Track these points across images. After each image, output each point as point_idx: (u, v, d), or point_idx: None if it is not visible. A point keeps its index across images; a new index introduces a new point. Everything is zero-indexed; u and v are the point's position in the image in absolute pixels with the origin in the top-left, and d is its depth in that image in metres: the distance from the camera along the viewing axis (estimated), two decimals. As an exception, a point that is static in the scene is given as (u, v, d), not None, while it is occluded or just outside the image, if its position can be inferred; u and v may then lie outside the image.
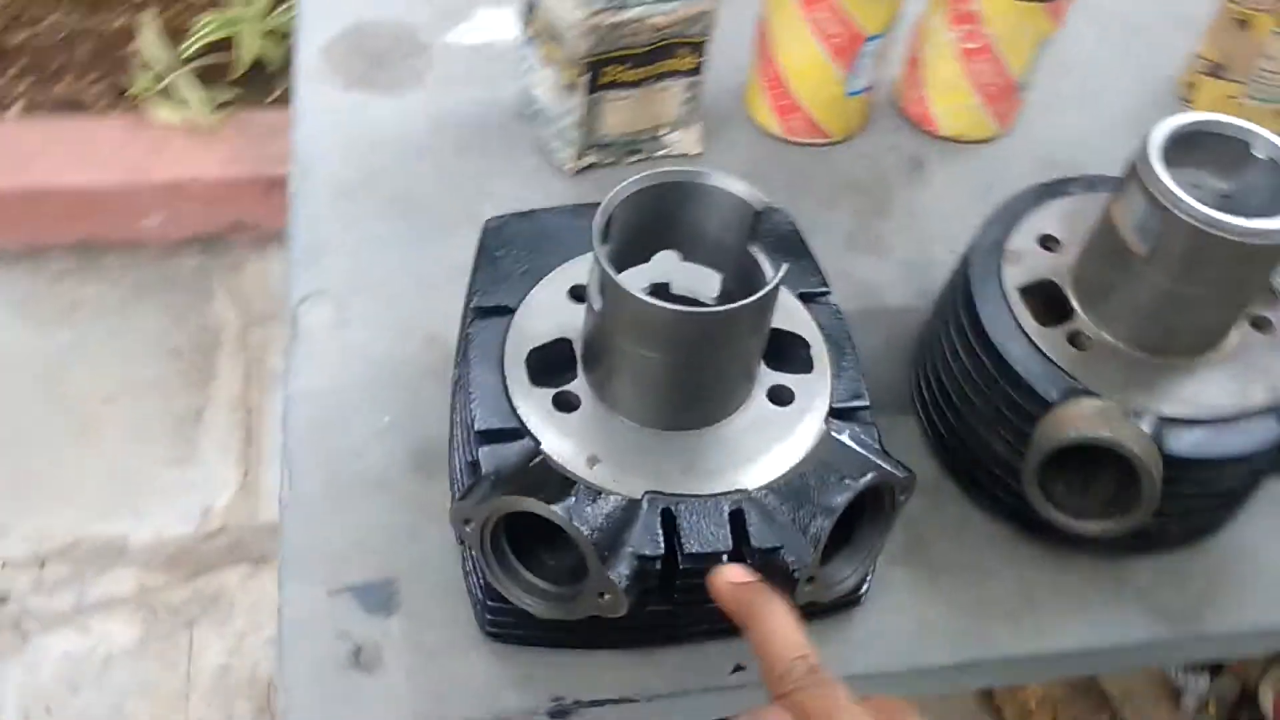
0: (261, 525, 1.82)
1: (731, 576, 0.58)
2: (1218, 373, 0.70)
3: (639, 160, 0.96)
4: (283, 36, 2.41)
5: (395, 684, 0.67)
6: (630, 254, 0.66)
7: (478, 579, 0.67)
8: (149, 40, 2.30)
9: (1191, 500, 0.70)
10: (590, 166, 0.95)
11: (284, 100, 2.36)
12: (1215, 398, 0.69)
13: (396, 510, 0.73)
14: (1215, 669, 1.55)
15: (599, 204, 0.74)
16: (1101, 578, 0.75)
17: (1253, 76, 1.02)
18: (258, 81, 2.41)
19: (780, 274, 0.59)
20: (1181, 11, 1.15)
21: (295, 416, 0.77)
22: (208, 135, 2.23)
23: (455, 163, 0.94)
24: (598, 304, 0.62)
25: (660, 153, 0.97)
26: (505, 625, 0.67)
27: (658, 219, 0.65)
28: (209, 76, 2.34)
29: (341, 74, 1.01)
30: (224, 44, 2.34)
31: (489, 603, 0.66)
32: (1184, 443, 0.67)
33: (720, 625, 0.68)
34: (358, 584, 0.70)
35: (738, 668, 0.69)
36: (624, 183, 0.62)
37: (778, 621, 0.54)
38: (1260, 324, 0.72)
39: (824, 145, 1.00)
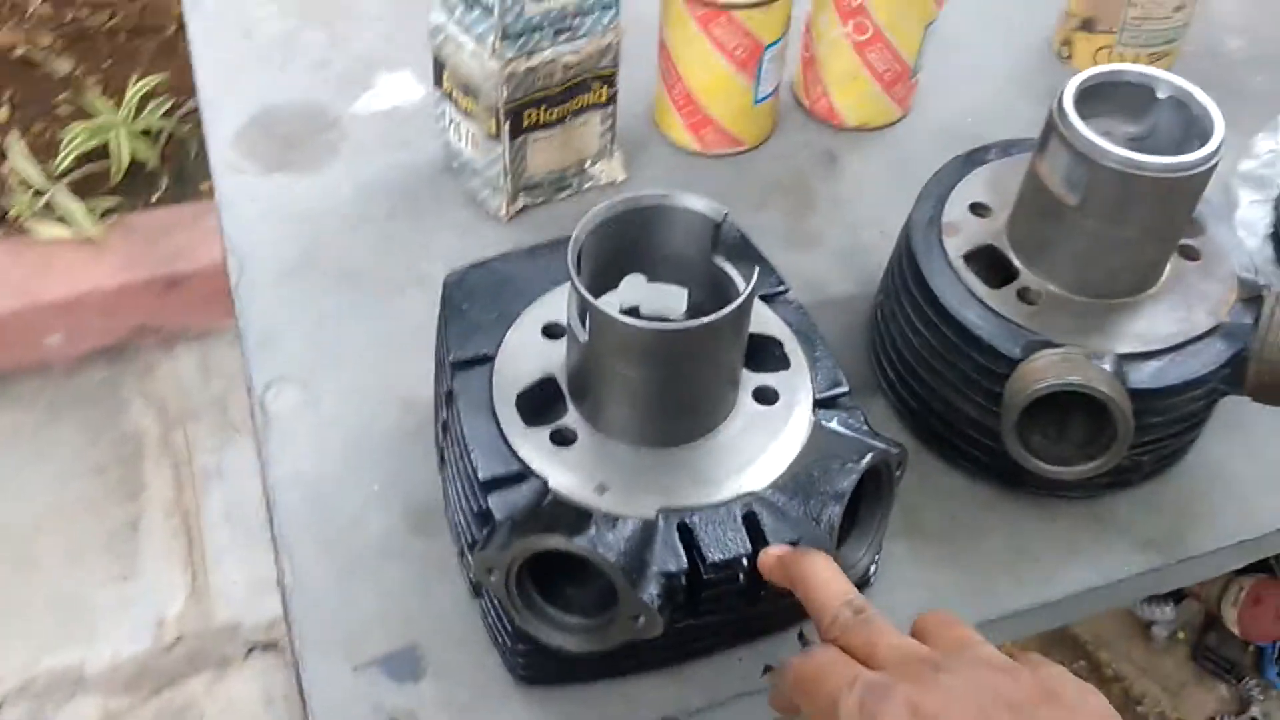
0: (219, 628, 1.79)
1: (775, 552, 0.60)
2: (1161, 305, 0.74)
3: (568, 195, 0.98)
4: (156, 136, 2.39)
5: (439, 745, 0.67)
6: (599, 282, 0.68)
7: (504, 626, 0.68)
8: (19, 161, 2.26)
9: (1158, 429, 0.74)
10: (523, 209, 0.96)
11: (168, 198, 2.34)
12: (1164, 328, 0.73)
13: (404, 575, 0.74)
14: (1178, 597, 1.61)
15: (551, 244, 0.77)
16: (1086, 519, 0.78)
17: (1123, 26, 1.07)
18: (138, 183, 2.38)
19: (755, 278, 0.62)
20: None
21: (283, 503, 0.77)
22: (97, 246, 2.19)
23: (390, 227, 0.95)
24: (583, 335, 0.63)
25: (588, 185, 0.99)
26: (537, 667, 0.68)
27: (622, 245, 0.67)
28: (88, 186, 2.31)
29: (258, 160, 1.02)
30: (97, 152, 2.31)
31: (519, 647, 0.67)
32: (1144, 375, 0.71)
33: (744, 629, 0.70)
34: (381, 655, 0.70)
35: (767, 668, 0.71)
36: (588, 215, 0.64)
37: (820, 575, 0.56)
38: (1188, 253, 0.77)
39: (740, 153, 1.03)
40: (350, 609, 0.72)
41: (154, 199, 2.38)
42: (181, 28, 2.54)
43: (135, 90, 2.37)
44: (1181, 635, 1.62)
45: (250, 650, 1.78)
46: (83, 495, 1.94)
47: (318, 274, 0.92)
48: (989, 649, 0.52)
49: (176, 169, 2.43)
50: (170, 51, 2.62)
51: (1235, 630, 1.59)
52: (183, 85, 2.50)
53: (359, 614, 0.72)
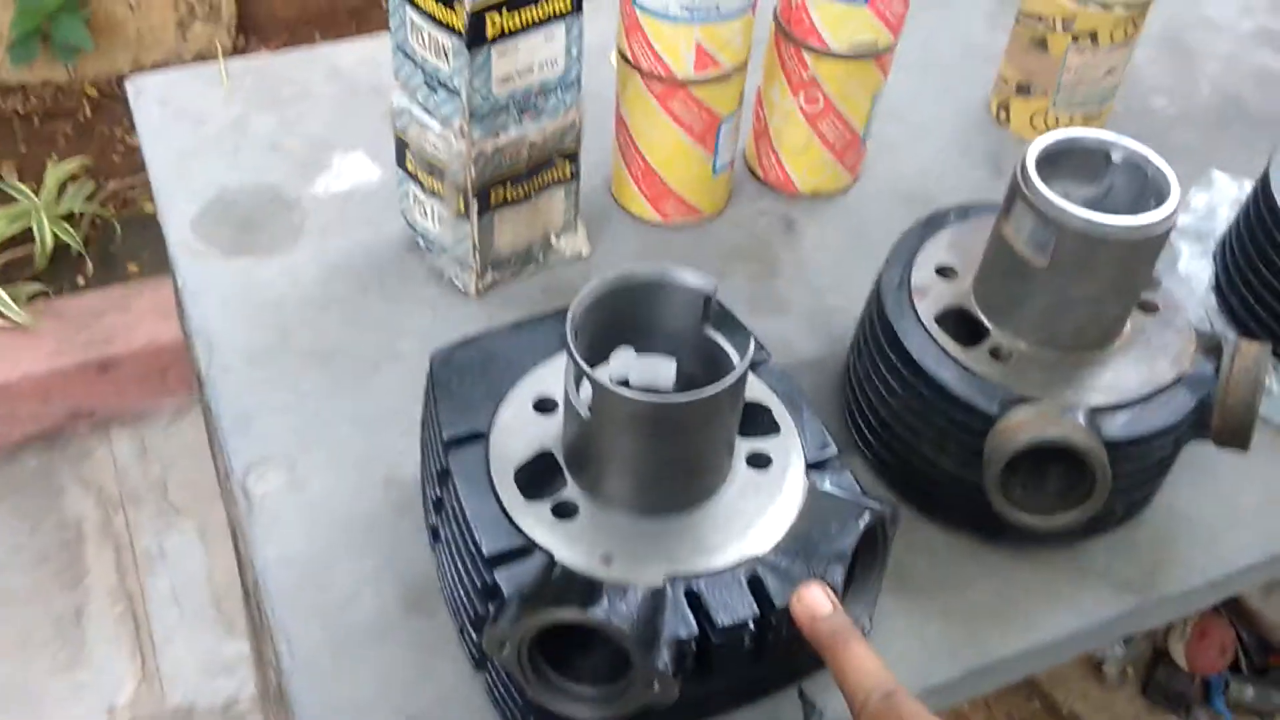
0: (173, 711, 1.75)
1: (814, 610, 0.61)
2: (1126, 358, 0.77)
3: (536, 270, 1.00)
4: (79, 219, 2.37)
5: (452, 823, 0.67)
6: (590, 355, 0.70)
7: (513, 699, 0.68)
8: (-61, 248, 2.22)
9: (1130, 477, 0.77)
10: (492, 284, 0.98)
11: (95, 282, 2.32)
12: (1131, 381, 0.76)
13: (403, 652, 0.74)
14: (1127, 635, 1.65)
15: (535, 319, 0.78)
16: (1064, 566, 0.81)
17: (1058, 89, 1.12)
18: (64, 267, 2.36)
19: (752, 348, 0.64)
20: (977, 44, 1.26)
21: (274, 586, 0.77)
22: (26, 332, 2.16)
23: (361, 306, 0.96)
24: (583, 410, 0.65)
25: (554, 259, 1.00)
26: (548, 738, 0.68)
27: (612, 319, 0.69)
28: (11, 272, 2.28)
29: (217, 245, 1.02)
30: (18, 238, 2.28)
31: (531, 718, 0.67)
32: (1116, 426, 0.74)
33: (747, 689, 0.71)
34: (386, 733, 0.70)
35: None
36: (584, 290, 0.65)
37: (855, 656, 0.58)
38: (1147, 306, 0.80)
39: (699, 222, 1.05)
40: (351, 689, 0.72)
41: (80, 282, 2.35)
42: (96, 108, 2.54)
43: (54, 174, 2.36)
44: (1130, 671, 1.66)
45: (207, 733, 1.75)
46: (24, 585, 1.90)
47: (290, 355, 0.92)
48: None
49: (101, 251, 2.41)
50: (87, 133, 2.61)
51: (1183, 664, 1.63)
52: (103, 167, 2.49)
53: (360, 693, 0.72)
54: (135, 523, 2.00)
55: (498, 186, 0.92)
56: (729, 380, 0.62)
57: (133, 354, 2.19)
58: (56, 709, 1.75)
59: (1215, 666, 1.63)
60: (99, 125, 2.64)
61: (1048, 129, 1.12)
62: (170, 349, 2.15)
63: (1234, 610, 1.68)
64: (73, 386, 2.16)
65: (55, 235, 2.27)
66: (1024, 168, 0.74)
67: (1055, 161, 0.77)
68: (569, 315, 0.64)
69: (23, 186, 2.33)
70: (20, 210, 2.30)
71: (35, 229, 2.27)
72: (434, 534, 0.77)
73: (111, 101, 2.66)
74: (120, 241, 2.39)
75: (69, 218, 2.34)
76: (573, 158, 0.96)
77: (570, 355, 0.63)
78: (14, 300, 2.17)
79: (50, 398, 2.15)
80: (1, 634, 1.84)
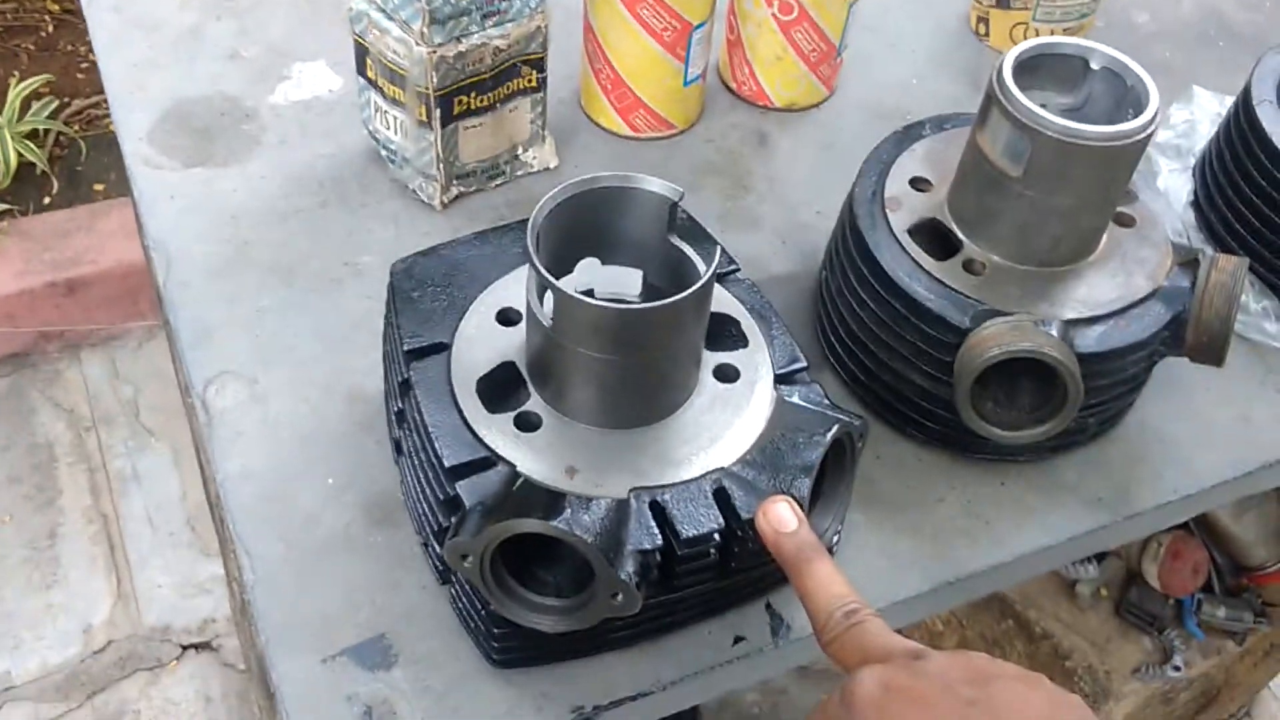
0: (149, 630, 1.75)
1: (780, 524, 0.59)
2: (1101, 271, 0.76)
3: (502, 182, 0.97)
4: (45, 135, 2.32)
5: (415, 734, 0.67)
6: (554, 266, 0.68)
7: (476, 611, 0.68)
8: (-97, 166, 2.18)
9: (1103, 391, 0.76)
10: (457, 197, 0.96)
11: (63, 200, 2.28)
12: (1106, 294, 0.75)
13: (367, 566, 0.73)
14: (1100, 555, 1.66)
15: (499, 229, 0.77)
16: (1035, 481, 0.81)
17: (1038, 2, 1.10)
18: (27, 186, 2.31)
19: (719, 255, 0.62)
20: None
21: (236, 500, 0.76)
22: (-9, 251, 2.13)
23: (322, 219, 0.94)
24: (545, 319, 0.63)
25: (521, 172, 0.98)
26: (513, 650, 0.68)
27: (577, 228, 0.67)
28: (-26, 193, 2.24)
29: (176, 156, 0.99)
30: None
31: (494, 630, 0.67)
32: (1090, 339, 0.73)
33: (714, 603, 0.71)
34: (351, 645, 0.70)
35: (737, 639, 0.72)
36: (546, 197, 0.63)
37: (818, 574, 0.57)
38: (1123, 220, 0.79)
39: (671, 136, 1.03)
40: (315, 602, 0.71)
41: (46, 201, 2.31)
42: (59, 25, 2.47)
43: (17, 92, 2.30)
44: (1104, 592, 1.67)
45: (183, 651, 1.75)
46: (-3, 506, 1.89)
47: (250, 268, 0.90)
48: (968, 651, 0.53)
49: (67, 170, 2.37)
50: (50, 50, 2.55)
51: (1156, 585, 1.64)
52: (67, 85, 2.44)
53: (324, 607, 0.71)
54: (107, 444, 1.98)
55: (461, 95, 0.90)
56: (694, 288, 0.61)
57: (100, 275, 2.16)
58: (31, 628, 1.75)
59: (1188, 587, 1.64)
60: (62, 41, 2.58)
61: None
62: (138, 270, 2.12)
63: (1207, 531, 1.69)
64: (41, 307, 2.13)
65: (19, 153, 2.22)
66: (1000, 75, 0.72)
67: (1032, 69, 0.75)
68: (530, 223, 0.62)
69: (-15, 104, 2.28)
70: (-20, 129, 2.25)
71: (-1, 147, 2.23)
72: (397, 447, 0.75)
73: (74, 18, 2.59)
74: (85, 160, 2.35)
75: (33, 135, 2.29)
76: (539, 65, 0.93)
77: (532, 264, 0.62)
78: (-22, 220, 2.13)
79: (16, 319, 2.12)
80: (-27, 555, 1.83)
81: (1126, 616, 1.66)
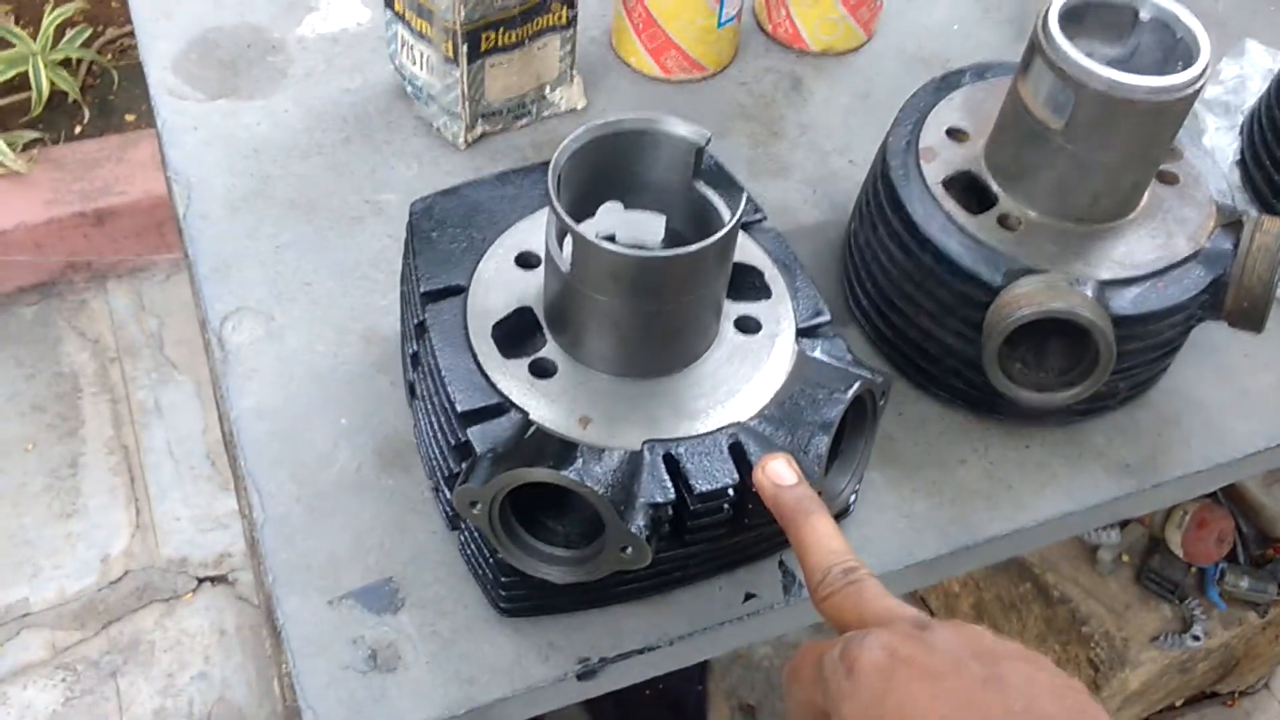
0: (166, 562, 1.76)
1: (777, 479, 0.58)
2: (1141, 231, 0.74)
3: (528, 123, 0.95)
4: (76, 65, 2.31)
5: (419, 678, 0.66)
6: (575, 210, 0.66)
7: (485, 559, 0.66)
8: (-68, 90, 2.17)
9: (1137, 355, 0.74)
10: (482, 136, 0.94)
11: (92, 130, 2.27)
12: (1144, 254, 0.72)
13: (377, 509, 0.72)
14: (1123, 521, 1.64)
15: (522, 170, 0.75)
16: (1061, 445, 0.79)
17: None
18: (60, 115, 2.30)
19: (744, 203, 0.60)
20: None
21: (249, 437, 0.75)
22: (21, 180, 2.12)
23: (344, 155, 0.92)
24: (564, 265, 0.61)
25: (547, 112, 0.96)
26: (520, 599, 0.67)
27: (600, 171, 0.65)
28: (6, 119, 2.22)
29: (200, 86, 0.97)
30: (14, 83, 2.22)
31: (502, 579, 0.66)
32: (1125, 301, 0.71)
33: (726, 558, 0.70)
34: (358, 588, 0.69)
35: (748, 596, 0.70)
36: (569, 138, 0.62)
37: (816, 529, 0.55)
38: (1166, 178, 0.76)
39: (702, 79, 1.01)
40: (323, 543, 0.71)
41: (77, 131, 2.30)
42: (97, -49, 2.43)
43: (51, 19, 2.28)
44: (1126, 558, 1.65)
45: (199, 584, 1.76)
46: (20, 434, 1.90)
47: (270, 203, 0.89)
48: (969, 625, 0.52)
49: (99, 100, 2.35)
50: (87, -23, 2.53)
51: (1179, 553, 1.62)
52: (101, 13, 2.42)
53: (332, 548, 0.71)
54: (131, 376, 1.99)
55: (489, 30, 0.88)
56: (717, 236, 0.59)
57: (129, 206, 2.15)
58: (50, 555, 1.76)
59: (1212, 556, 1.62)
60: (99, -32, 2.56)
61: (1074, -10, 1.07)
62: (166, 202, 2.10)
63: (1234, 500, 1.66)
64: (69, 237, 2.13)
65: (51, 82, 2.21)
66: (1045, 22, 0.69)
67: (1079, 18, 0.72)
68: (552, 165, 0.61)
69: (19, 30, 2.26)
70: (16, 55, 2.23)
71: (31, 74, 2.21)
72: (411, 390, 0.74)
73: (110, -56, 2.57)
74: (117, 90, 2.34)
75: (65, 64, 2.27)
76: (569, 2, 0.91)
77: (552, 207, 0.60)
78: (9, 147, 2.12)
79: (45, 247, 2.12)
80: (-2, 483, 1.84)
81: (1147, 584, 1.64)
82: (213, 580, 1.76)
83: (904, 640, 0.48)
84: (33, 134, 2.21)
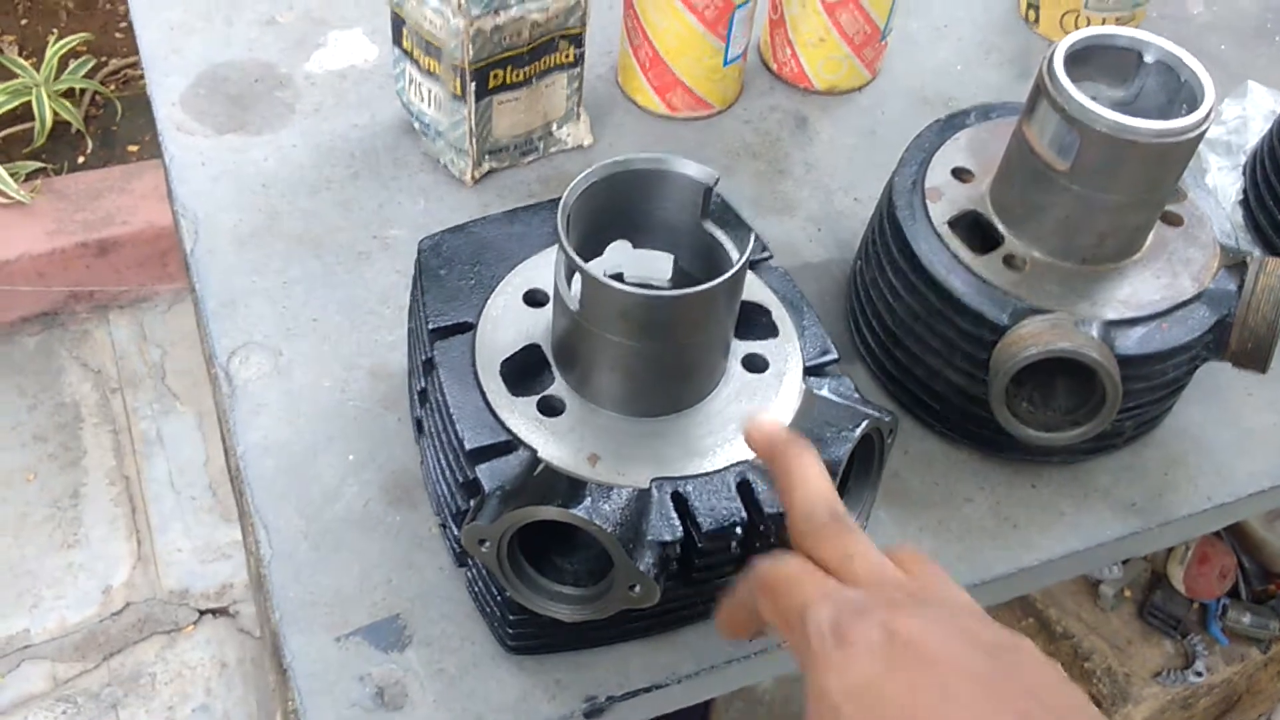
0: (168, 594, 1.75)
1: (766, 428, 0.56)
2: (1145, 271, 0.74)
3: (535, 159, 0.96)
4: (79, 96, 2.32)
5: (427, 716, 0.66)
6: (584, 248, 0.66)
7: (493, 596, 0.66)
8: (-64, 122, 2.18)
9: (1142, 395, 0.74)
10: (489, 173, 0.94)
11: (95, 161, 2.28)
12: (1149, 295, 0.73)
13: (384, 545, 0.72)
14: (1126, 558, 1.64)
15: (530, 208, 0.75)
16: (1067, 485, 0.79)
17: (1090, -10, 1.07)
18: (63, 145, 2.31)
19: (752, 243, 0.61)
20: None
21: (256, 473, 0.75)
22: (25, 210, 2.13)
23: (352, 191, 0.93)
24: (572, 303, 0.62)
25: (554, 149, 0.97)
26: (528, 637, 0.67)
27: (608, 210, 0.66)
28: (10, 149, 2.24)
29: (208, 122, 0.98)
30: (18, 114, 2.23)
31: (511, 618, 0.66)
32: (1131, 341, 0.71)
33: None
34: (365, 625, 0.69)
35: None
36: (579, 177, 0.62)
37: (805, 472, 0.52)
38: (1171, 219, 0.77)
39: (708, 116, 1.01)
40: (330, 580, 0.71)
41: (80, 161, 2.31)
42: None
43: (55, 50, 2.30)
44: (1128, 594, 1.65)
45: (200, 616, 1.75)
46: (22, 464, 1.90)
47: (278, 239, 0.89)
48: (963, 594, 0.50)
49: (102, 130, 2.36)
50: (89, 9, 2.54)
51: (1181, 589, 1.62)
52: (105, 44, 2.44)
53: (339, 584, 0.71)
54: (133, 406, 1.99)
55: (497, 68, 0.88)
56: (726, 277, 0.59)
57: (132, 237, 2.16)
58: (51, 587, 1.75)
59: (1214, 592, 1.62)
60: (101, 0, 2.57)
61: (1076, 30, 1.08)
62: (169, 233, 2.11)
63: (1236, 536, 1.66)
64: (72, 267, 2.13)
65: (55, 112, 2.22)
66: (1050, 64, 0.70)
67: (1084, 60, 0.73)
68: (562, 204, 0.61)
69: (23, 61, 2.27)
70: (20, 85, 2.24)
71: (35, 105, 2.22)
72: (419, 427, 0.74)
73: (115, -24, 2.59)
74: (120, 121, 2.35)
75: (69, 94, 2.28)
76: (577, 41, 0.92)
77: (562, 246, 0.60)
78: (12, 177, 2.13)
79: (48, 277, 2.12)
80: (-1, 513, 1.84)
81: (1149, 619, 1.64)
82: (214, 612, 1.76)
83: (903, 619, 0.44)
84: (36, 164, 2.22)
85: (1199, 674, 1.60)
